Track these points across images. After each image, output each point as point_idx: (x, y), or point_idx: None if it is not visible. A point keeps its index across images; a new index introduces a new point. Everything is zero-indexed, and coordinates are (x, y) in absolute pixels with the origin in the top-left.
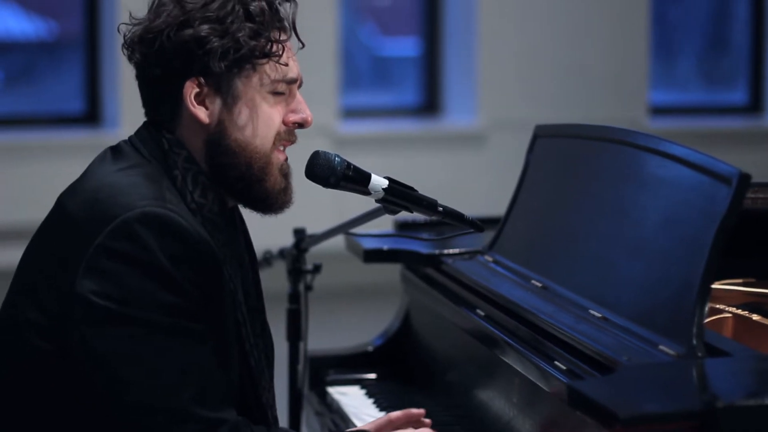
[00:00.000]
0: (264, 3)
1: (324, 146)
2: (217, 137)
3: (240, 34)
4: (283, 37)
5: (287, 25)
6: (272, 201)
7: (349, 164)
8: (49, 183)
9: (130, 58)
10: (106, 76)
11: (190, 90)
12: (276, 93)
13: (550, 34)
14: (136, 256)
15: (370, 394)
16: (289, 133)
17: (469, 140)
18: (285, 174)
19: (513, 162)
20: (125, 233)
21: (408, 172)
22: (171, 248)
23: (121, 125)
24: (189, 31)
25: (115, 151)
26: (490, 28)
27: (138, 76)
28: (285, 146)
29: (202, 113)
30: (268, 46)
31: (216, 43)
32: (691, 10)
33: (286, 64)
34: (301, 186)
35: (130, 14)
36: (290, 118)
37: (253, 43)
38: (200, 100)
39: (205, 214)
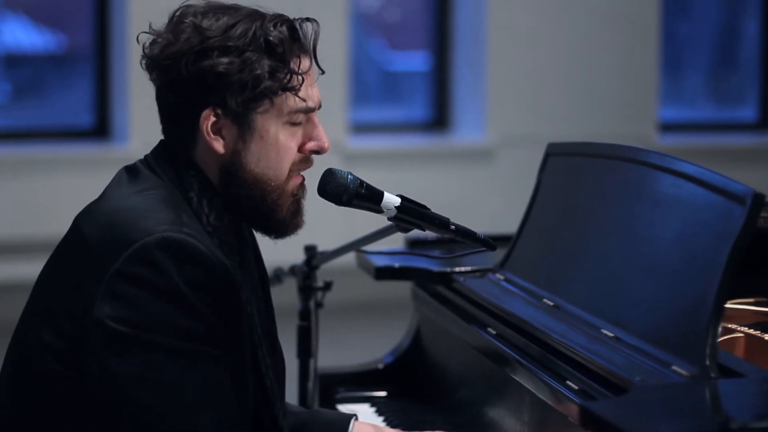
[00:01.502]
0: (285, 29)
1: (333, 162)
2: (232, 168)
3: (258, 71)
4: (303, 64)
5: (308, 50)
6: (284, 228)
7: (361, 182)
8: (59, 197)
9: (148, 74)
10: (115, 90)
11: (207, 120)
12: (294, 123)
13: (559, 50)
14: (154, 282)
15: (380, 412)
16: (305, 160)
17: (478, 156)
18: (298, 200)
19: (523, 178)
20: (144, 258)
21: (417, 187)
22: (189, 273)
23: (131, 139)
24: (207, 63)
25: (131, 172)
26: (499, 44)
27: (156, 97)
28: (301, 171)
29: (217, 143)
30: (287, 80)
31: (234, 77)
32: (700, 26)
33: (304, 99)
34: (313, 203)
35: (150, 25)
36: (307, 146)
37: (271, 80)
38: (216, 129)
39: (221, 237)
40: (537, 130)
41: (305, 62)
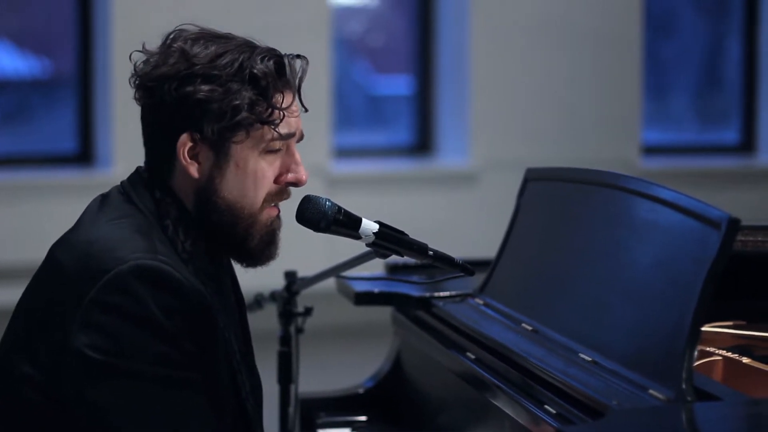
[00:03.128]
0: (272, 63)
1: (316, 186)
2: (206, 193)
3: (238, 102)
4: (287, 99)
5: (293, 86)
6: (255, 257)
7: (339, 209)
8: (43, 223)
9: (135, 98)
10: (99, 116)
11: (184, 144)
12: (271, 151)
13: (542, 73)
14: (129, 310)
15: None
16: (281, 191)
17: (461, 180)
18: (272, 231)
19: (506, 202)
20: (118, 287)
21: (401, 211)
22: (164, 300)
23: (115, 164)
24: (190, 89)
25: (106, 199)
26: (482, 68)
27: (140, 117)
28: (277, 202)
29: (193, 168)
30: (266, 114)
31: (213, 105)
32: (684, 48)
33: (280, 133)
34: (293, 229)
35: (143, 45)
36: (284, 178)
37: (249, 111)
38: (193, 154)
39: (197, 264)
40: (520, 154)
41: (288, 98)
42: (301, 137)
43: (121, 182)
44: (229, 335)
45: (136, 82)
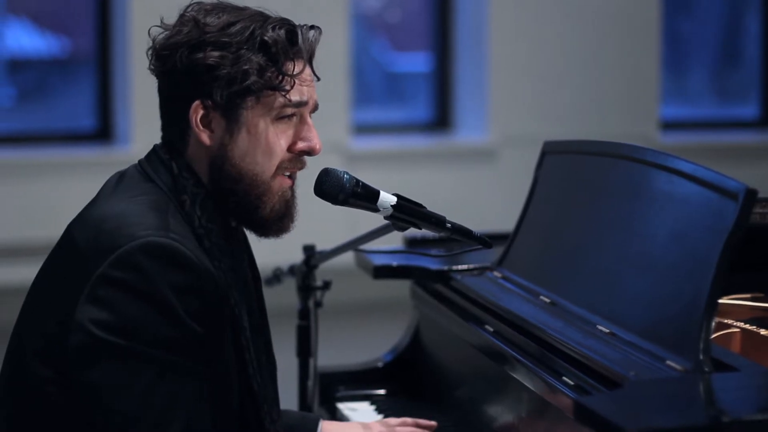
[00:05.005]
0: (283, 32)
1: (335, 162)
2: (219, 161)
3: (247, 66)
4: (297, 66)
5: (304, 55)
6: (268, 227)
7: (357, 181)
8: (62, 200)
9: (150, 68)
10: (118, 93)
11: (196, 112)
12: (283, 117)
13: (561, 49)
14: (137, 286)
15: (379, 410)
16: (295, 160)
17: (480, 156)
18: (287, 200)
19: (524, 177)
20: (128, 263)
21: (419, 187)
22: (174, 278)
23: (133, 142)
24: (200, 55)
25: (123, 177)
26: (501, 44)
27: (157, 88)
28: (292, 173)
29: (205, 136)
30: (276, 80)
31: (223, 71)
32: (702, 24)
33: (290, 100)
34: (311, 203)
35: (162, 20)
36: (297, 146)
37: (258, 77)
38: (206, 122)
39: (213, 239)
40: (538, 130)
41: (299, 66)
42: (316, 107)
43: (139, 160)
44: (240, 312)
45: (151, 51)
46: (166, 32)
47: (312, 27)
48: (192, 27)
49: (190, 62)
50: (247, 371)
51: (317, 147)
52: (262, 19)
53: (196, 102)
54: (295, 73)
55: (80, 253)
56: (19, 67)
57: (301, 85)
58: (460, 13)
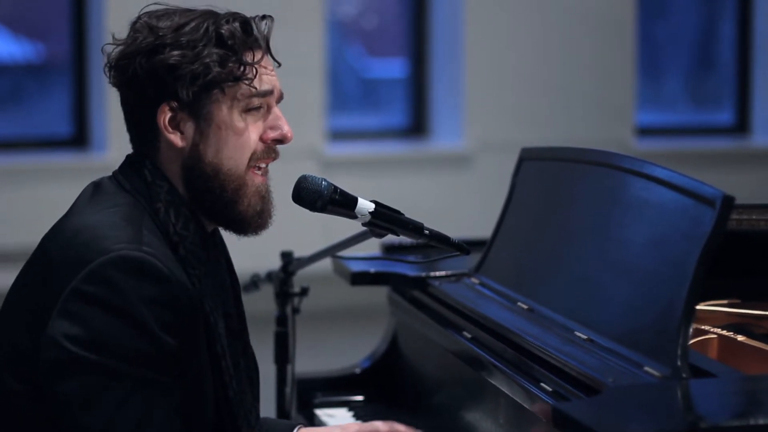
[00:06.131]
0: (237, 24)
1: (311, 168)
2: (192, 161)
3: (209, 60)
4: (257, 56)
5: (261, 43)
6: (247, 223)
7: (335, 188)
8: (38, 206)
9: (108, 77)
10: (94, 99)
11: (164, 115)
12: (251, 109)
13: (536, 55)
14: (109, 301)
15: (357, 416)
16: (268, 150)
17: (456, 162)
18: (262, 196)
19: (500, 183)
20: (100, 277)
21: (395, 193)
22: (146, 292)
23: (109, 148)
24: (159, 57)
25: (98, 187)
26: (476, 50)
27: (120, 101)
28: (266, 164)
29: (176, 138)
30: (239, 70)
31: (185, 69)
32: (677, 30)
33: (256, 88)
34: (289, 209)
35: (113, 36)
36: (268, 135)
37: (220, 68)
38: (174, 124)
39: (188, 246)
40: (514, 136)
41: (258, 55)
42: (281, 96)
43: (114, 171)
44: (216, 319)
45: (109, 65)
46: (121, 45)
47: (264, 17)
48: (146, 33)
49: (151, 66)
50: (223, 379)
51: (288, 134)
52: (213, 15)
53: (162, 105)
54: (261, 64)
55: (53, 266)
56: None
57: (263, 74)
58: (436, 19)
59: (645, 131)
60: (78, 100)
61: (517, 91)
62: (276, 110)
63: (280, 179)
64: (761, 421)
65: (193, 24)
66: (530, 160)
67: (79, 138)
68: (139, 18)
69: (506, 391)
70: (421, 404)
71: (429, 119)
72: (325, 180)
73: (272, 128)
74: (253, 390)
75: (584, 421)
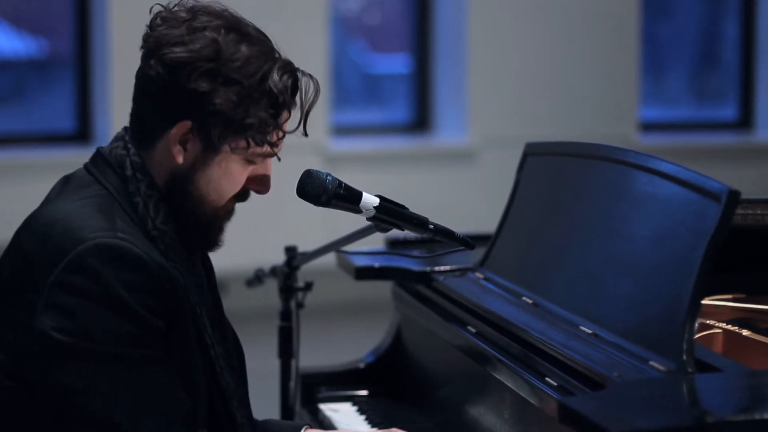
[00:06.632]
0: (289, 81)
1: (315, 164)
2: (183, 180)
3: (252, 120)
4: (290, 118)
5: (297, 107)
6: (207, 247)
7: (340, 183)
8: (40, 202)
9: (143, 49)
10: (97, 95)
11: (180, 130)
12: (251, 161)
13: (540, 51)
14: (91, 290)
15: (361, 411)
16: (244, 194)
17: (459, 157)
18: (222, 223)
19: (504, 179)
20: (79, 267)
21: (399, 189)
22: (126, 277)
23: None
24: (208, 86)
25: (69, 180)
26: (480, 46)
27: (140, 79)
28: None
29: (179, 154)
30: (272, 136)
31: (226, 112)
32: (680, 27)
33: (272, 153)
34: (293, 204)
35: (162, 12)
36: (251, 185)
37: (258, 131)
38: (183, 141)
39: (167, 241)
40: (518, 131)
41: (290, 116)
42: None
43: (85, 164)
44: (201, 311)
45: (153, 46)
46: (174, 30)
47: (310, 76)
48: (207, 48)
49: (196, 87)
50: (214, 368)
51: (267, 190)
52: (272, 59)
53: (186, 122)
54: (287, 127)
55: (30, 259)
56: None
57: (282, 137)
58: (440, 15)
59: (648, 127)
60: (81, 95)
61: (521, 87)
62: (268, 164)
63: (284, 176)
64: (766, 416)
65: (253, 65)
66: (535, 155)
67: (82, 133)
68: (202, 13)
69: (511, 386)
70: (426, 399)
71: (432, 115)
72: (329, 175)
73: (257, 181)
74: (242, 384)
75: (590, 416)
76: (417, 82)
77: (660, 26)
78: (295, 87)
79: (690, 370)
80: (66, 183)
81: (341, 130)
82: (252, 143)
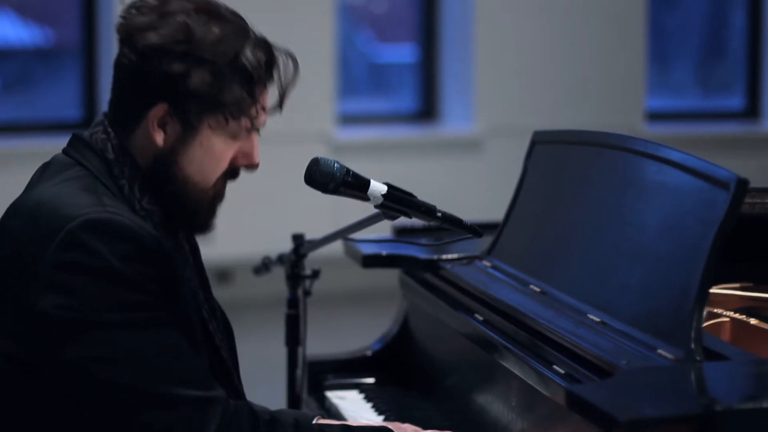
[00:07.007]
0: (263, 57)
1: (321, 153)
2: (165, 163)
3: (228, 96)
4: (267, 94)
5: (276, 83)
6: (197, 229)
7: (348, 170)
8: None
9: (118, 57)
10: (103, 83)
11: (157, 113)
12: (235, 137)
13: (547, 40)
14: (86, 264)
15: (368, 399)
16: (233, 172)
17: (466, 146)
18: (214, 204)
19: (510, 168)
20: (71, 244)
21: (405, 178)
22: (119, 249)
23: None
24: (181, 67)
25: (49, 165)
26: (487, 35)
27: (115, 66)
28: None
29: (159, 136)
30: (251, 111)
31: (201, 91)
32: (687, 17)
33: (254, 125)
34: (301, 191)
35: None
36: (239, 161)
37: (234, 106)
38: (162, 123)
39: (155, 220)
40: (525, 121)
41: (267, 94)
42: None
43: (63, 148)
44: (196, 287)
45: (126, 34)
46: (144, 15)
47: (288, 54)
48: (177, 32)
49: (170, 72)
50: (214, 342)
51: (256, 163)
52: (244, 37)
53: (163, 105)
54: (264, 101)
55: (20, 242)
56: (3, 56)
57: (263, 110)
58: (446, 4)
59: (655, 116)
60: (87, 83)
61: (528, 76)
62: (254, 139)
63: (291, 164)
64: None
65: (224, 44)
66: (543, 144)
67: (88, 121)
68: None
69: (518, 374)
70: (433, 387)
71: (439, 104)
72: (337, 162)
73: (245, 155)
74: (233, 353)
75: (598, 404)
76: (423, 72)
77: (666, 16)
78: (270, 63)
79: (698, 358)
80: (45, 168)
81: (348, 119)
82: (230, 119)
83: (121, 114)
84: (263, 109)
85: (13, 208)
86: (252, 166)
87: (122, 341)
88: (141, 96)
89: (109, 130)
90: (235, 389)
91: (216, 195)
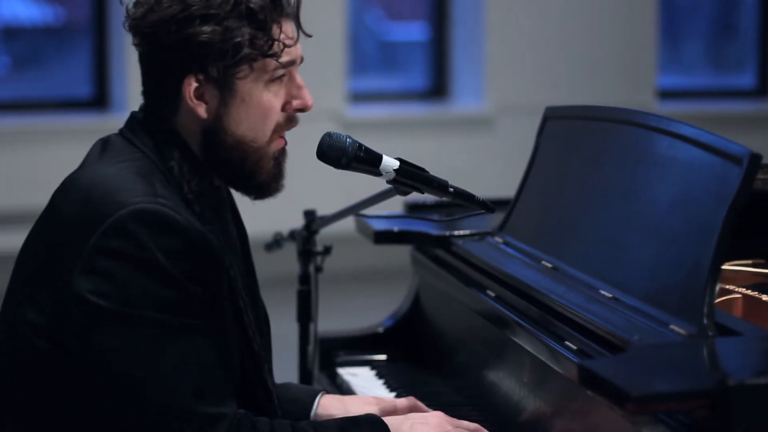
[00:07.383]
0: None
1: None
2: (214, 132)
3: (238, 39)
4: (285, 28)
5: (290, 14)
6: (264, 190)
7: (360, 145)
8: (58, 167)
9: (135, 44)
10: (114, 61)
11: (189, 86)
12: (274, 79)
13: (558, 17)
14: (131, 254)
15: (380, 375)
16: (290, 119)
17: (477, 124)
18: (278, 162)
19: (521, 146)
20: (119, 231)
21: (416, 156)
22: (166, 243)
23: (129, 109)
24: (188, 31)
25: (107, 143)
26: (498, 12)
27: (139, 61)
28: (286, 131)
29: (200, 108)
30: (267, 47)
31: (215, 46)
32: None
33: (281, 61)
34: (312, 167)
35: None
36: (291, 105)
37: (251, 47)
38: (199, 94)
39: (203, 203)
40: (536, 98)
41: (286, 27)
42: (301, 61)
43: (120, 129)
44: (235, 273)
45: (132, 27)
46: (142, 4)
47: None
48: (176, 3)
49: (180, 39)
50: (247, 333)
51: (309, 103)
52: None
53: (189, 77)
54: (283, 35)
55: (68, 223)
56: (14, 35)
57: (288, 44)
58: None
59: (666, 94)
60: (98, 61)
61: (539, 53)
62: (298, 79)
63: (302, 140)
64: None
65: None
66: (555, 119)
67: (99, 99)
68: None
69: (530, 350)
70: (445, 363)
71: (450, 81)
72: (349, 137)
73: (295, 98)
74: (266, 350)
75: (611, 379)
76: (434, 49)
77: None
78: (275, 1)
79: (710, 333)
80: (104, 146)
81: (358, 97)
82: (255, 64)
83: (157, 102)
84: (286, 44)
85: (66, 185)
86: (305, 108)
87: (147, 341)
88: (166, 76)
89: (155, 114)
90: (263, 383)
91: (276, 153)
